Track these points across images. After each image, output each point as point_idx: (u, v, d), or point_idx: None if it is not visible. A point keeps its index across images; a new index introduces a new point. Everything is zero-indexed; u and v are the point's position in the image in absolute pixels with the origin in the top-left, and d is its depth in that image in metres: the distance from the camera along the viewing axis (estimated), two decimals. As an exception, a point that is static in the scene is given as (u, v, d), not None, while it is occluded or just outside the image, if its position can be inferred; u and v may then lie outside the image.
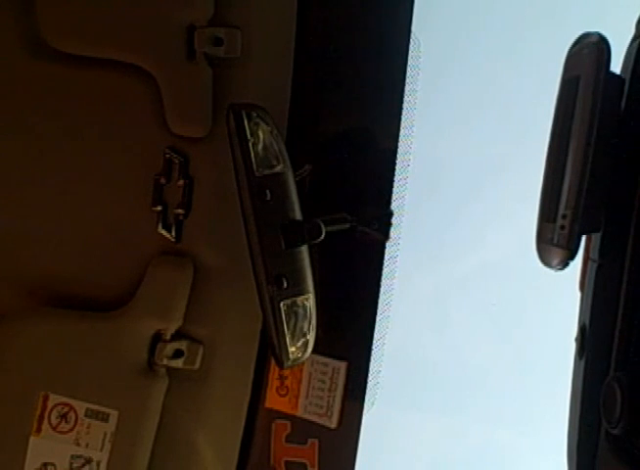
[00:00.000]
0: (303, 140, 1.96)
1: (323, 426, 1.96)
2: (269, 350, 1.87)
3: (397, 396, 2.68)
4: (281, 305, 1.72)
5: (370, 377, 1.96)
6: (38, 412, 1.94)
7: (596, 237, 1.66)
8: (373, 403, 1.98)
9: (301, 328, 1.76)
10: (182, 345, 1.96)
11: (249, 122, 1.72)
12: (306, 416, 1.98)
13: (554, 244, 1.59)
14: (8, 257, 2.03)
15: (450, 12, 2.60)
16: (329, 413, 1.95)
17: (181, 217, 1.94)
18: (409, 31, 1.92)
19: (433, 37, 2.15)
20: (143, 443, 1.95)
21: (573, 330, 1.73)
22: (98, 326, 1.96)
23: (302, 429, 1.98)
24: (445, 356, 2.94)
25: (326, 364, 1.96)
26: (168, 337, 1.96)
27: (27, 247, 2.03)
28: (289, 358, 1.75)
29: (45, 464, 1.94)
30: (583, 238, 1.60)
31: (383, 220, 1.93)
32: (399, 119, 1.92)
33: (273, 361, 1.86)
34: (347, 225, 1.86)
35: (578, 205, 1.54)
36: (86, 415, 1.93)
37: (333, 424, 1.95)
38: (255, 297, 1.73)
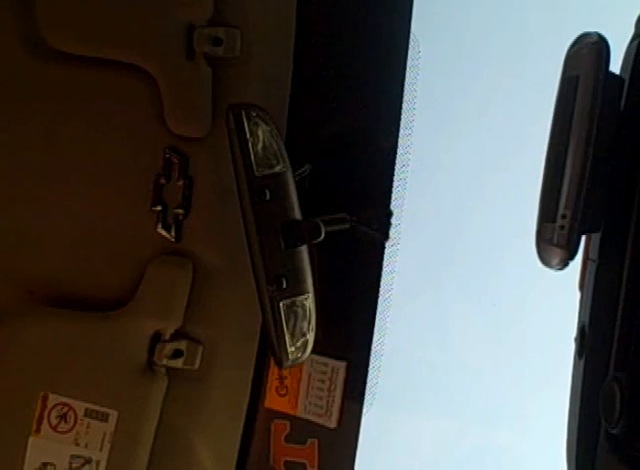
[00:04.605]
0: (303, 140, 1.96)
1: (322, 426, 1.96)
2: (269, 350, 1.87)
3: (397, 396, 2.68)
4: (280, 304, 1.72)
5: (369, 377, 1.96)
6: (38, 412, 1.94)
7: (596, 237, 1.66)
8: (372, 403, 1.98)
9: (301, 328, 1.76)
10: (181, 345, 1.96)
11: (248, 122, 1.72)
12: (306, 416, 1.98)
13: (554, 244, 1.59)
14: (8, 256, 2.03)
15: (450, 12, 2.60)
16: (328, 413, 1.95)
17: (181, 217, 1.94)
18: (409, 31, 1.92)
19: (432, 37, 2.15)
20: (142, 442, 1.95)
21: (573, 330, 1.73)
22: (98, 326, 1.96)
23: (302, 429, 1.98)
24: (445, 357, 2.94)
25: (325, 364, 1.96)
26: (168, 337, 1.96)
27: (27, 247, 2.03)
28: (288, 358, 1.75)
29: (45, 464, 1.94)
30: (583, 238, 1.60)
31: (382, 220, 1.93)
32: (399, 119, 1.92)
33: (273, 361, 1.87)
34: (347, 225, 1.86)
35: (578, 205, 1.54)
36: (85, 415, 1.93)
37: (332, 424, 1.95)
38: (255, 297, 1.73)
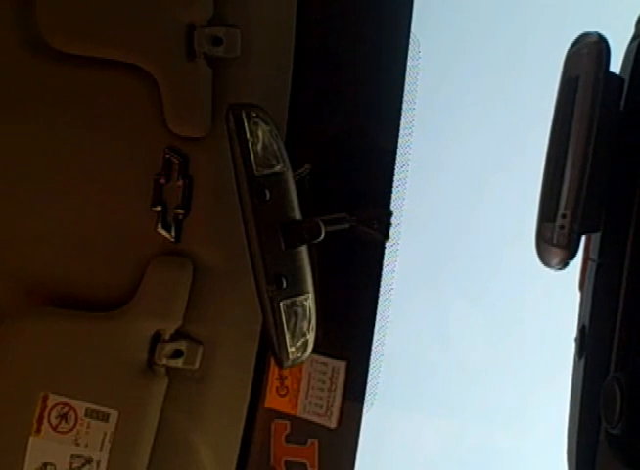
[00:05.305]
0: (303, 140, 1.96)
1: (323, 426, 1.96)
2: (269, 350, 1.87)
3: (397, 396, 2.68)
4: (280, 304, 1.72)
5: (369, 377, 1.96)
6: (38, 412, 1.94)
7: (596, 237, 1.66)
8: (372, 404, 1.98)
9: (301, 328, 1.76)
10: (182, 345, 1.96)
11: (248, 122, 1.72)
12: (306, 416, 1.98)
13: (553, 244, 1.59)
14: (8, 256, 2.03)
15: (450, 12, 2.60)
16: (328, 413, 1.95)
17: (181, 217, 1.94)
18: (409, 31, 1.92)
19: (432, 37, 2.15)
20: (142, 442, 1.95)
21: (573, 330, 1.73)
22: (98, 326, 1.96)
23: (302, 429, 1.98)
24: (445, 357, 2.94)
25: (325, 364, 1.96)
26: (168, 337, 1.96)
27: (27, 247, 2.03)
28: (288, 358, 1.75)
29: (45, 464, 1.94)
30: (583, 238, 1.61)
31: (382, 220, 1.93)
32: (399, 119, 1.93)
33: (273, 361, 1.87)
34: (347, 225, 1.86)
35: (578, 205, 1.54)
36: (86, 415, 1.93)
37: (332, 424, 1.95)
38: (255, 297, 1.73)
